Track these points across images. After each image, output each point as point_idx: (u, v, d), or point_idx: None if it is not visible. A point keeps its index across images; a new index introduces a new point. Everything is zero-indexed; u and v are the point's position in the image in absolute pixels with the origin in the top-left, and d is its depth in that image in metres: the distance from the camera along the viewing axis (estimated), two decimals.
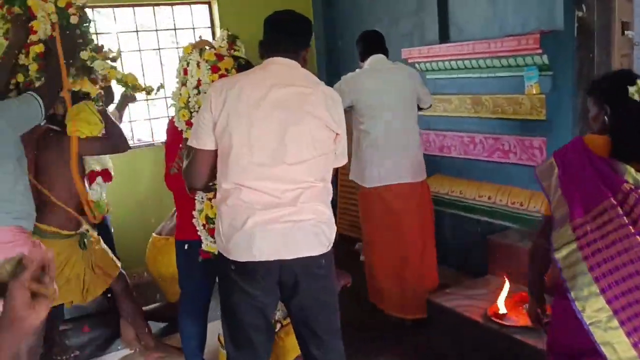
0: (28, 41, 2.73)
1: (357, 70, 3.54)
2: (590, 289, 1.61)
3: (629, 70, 2.00)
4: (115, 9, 4.46)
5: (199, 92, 2.47)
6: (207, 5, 4.85)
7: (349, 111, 3.49)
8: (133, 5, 4.53)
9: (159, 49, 4.69)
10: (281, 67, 2.07)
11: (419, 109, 3.53)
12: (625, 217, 1.61)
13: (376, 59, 3.47)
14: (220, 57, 2.53)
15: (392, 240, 3.47)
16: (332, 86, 4.73)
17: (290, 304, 2.10)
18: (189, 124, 2.43)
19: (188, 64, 2.50)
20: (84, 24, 2.80)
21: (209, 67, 2.45)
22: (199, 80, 2.45)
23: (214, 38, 4.87)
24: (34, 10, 2.71)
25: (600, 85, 1.87)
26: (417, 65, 4.10)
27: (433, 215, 3.63)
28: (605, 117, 1.80)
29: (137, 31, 4.59)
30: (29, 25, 2.73)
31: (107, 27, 4.44)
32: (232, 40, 3.72)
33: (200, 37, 2.72)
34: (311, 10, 5.17)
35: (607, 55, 3.25)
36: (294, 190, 1.98)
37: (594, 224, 1.65)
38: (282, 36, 2.10)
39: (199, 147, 2.05)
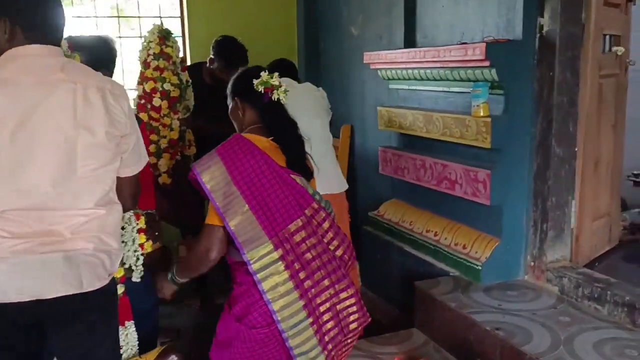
0: None
1: None
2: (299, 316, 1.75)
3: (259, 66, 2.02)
4: None
5: None
6: None
7: None
8: None
9: (119, 36, 4.39)
10: (37, 58, 1.57)
11: None
12: (315, 236, 1.79)
13: (285, 80, 3.08)
14: None
15: None
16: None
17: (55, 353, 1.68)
18: None
19: None
20: None
21: None
22: None
23: (182, 29, 4.53)
24: None
25: (232, 83, 2.01)
26: (379, 72, 3.57)
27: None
28: (240, 113, 1.95)
29: (96, 17, 4.32)
30: None
31: None
32: (163, 35, 3.33)
33: None
34: (295, 8, 4.72)
35: (574, 75, 2.61)
36: (65, 219, 1.55)
37: (292, 240, 1.75)
38: (42, 14, 1.57)
39: None
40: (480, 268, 2.81)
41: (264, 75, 1.89)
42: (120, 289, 2.19)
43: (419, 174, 3.28)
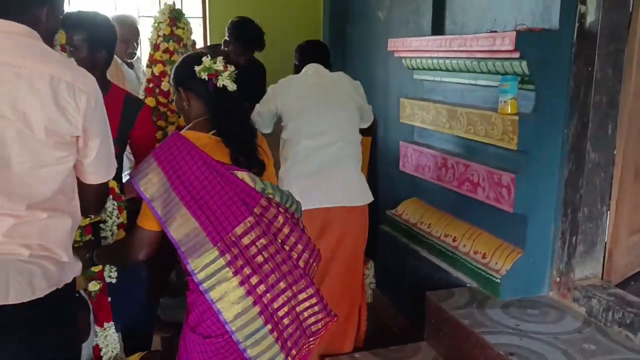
0: None
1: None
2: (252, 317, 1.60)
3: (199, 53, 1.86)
4: None
5: None
6: None
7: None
8: None
9: (138, 16, 4.23)
10: None
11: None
12: (269, 235, 1.64)
13: (313, 67, 2.83)
14: None
15: None
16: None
17: None
18: None
19: None
20: None
21: None
22: None
23: (203, 9, 4.35)
24: None
25: (173, 72, 1.86)
26: (403, 60, 3.30)
27: (362, 258, 2.87)
28: (185, 104, 1.79)
29: None
30: None
31: None
32: (174, 15, 3.14)
33: None
34: None
35: (616, 71, 2.31)
36: None
37: (241, 243, 1.60)
38: None
39: None
40: (499, 281, 2.55)
41: (206, 60, 1.73)
42: (96, 286, 2.03)
43: (439, 173, 3.02)
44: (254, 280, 1.59)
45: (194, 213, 1.60)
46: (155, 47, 3.15)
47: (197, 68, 1.73)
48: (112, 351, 2.19)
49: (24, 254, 1.39)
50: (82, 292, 2.03)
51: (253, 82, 3.52)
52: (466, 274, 2.78)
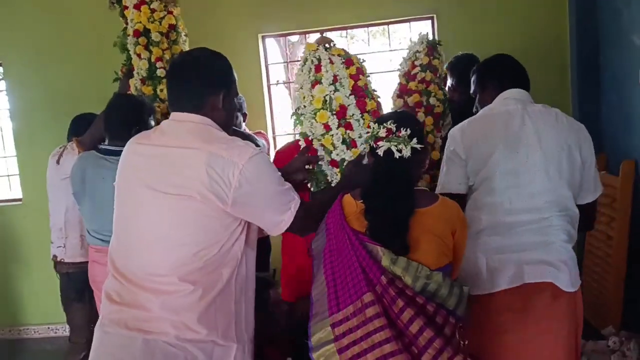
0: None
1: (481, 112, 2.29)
2: None
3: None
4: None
5: (335, 89, 2.26)
6: (429, 21, 4.27)
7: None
8: (346, 28, 4.31)
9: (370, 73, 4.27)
10: (172, 124, 1.70)
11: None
12: (384, 317, 1.53)
13: (512, 95, 2.18)
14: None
15: None
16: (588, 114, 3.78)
17: None
18: (327, 127, 2.21)
19: (319, 60, 2.26)
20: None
21: (343, 60, 2.28)
22: (335, 76, 2.24)
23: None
24: (135, 65, 3.17)
25: None
26: None
27: None
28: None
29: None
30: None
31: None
32: (432, 45, 3.06)
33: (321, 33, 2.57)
34: (566, 20, 4.11)
35: None
36: (143, 286, 1.54)
37: (355, 320, 1.55)
38: (175, 85, 1.74)
39: None
40: None
41: (373, 126, 1.76)
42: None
43: None
44: None
45: (327, 277, 1.64)
46: (409, 77, 3.07)
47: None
48: None
49: (171, 334, 1.45)
50: None
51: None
52: None
